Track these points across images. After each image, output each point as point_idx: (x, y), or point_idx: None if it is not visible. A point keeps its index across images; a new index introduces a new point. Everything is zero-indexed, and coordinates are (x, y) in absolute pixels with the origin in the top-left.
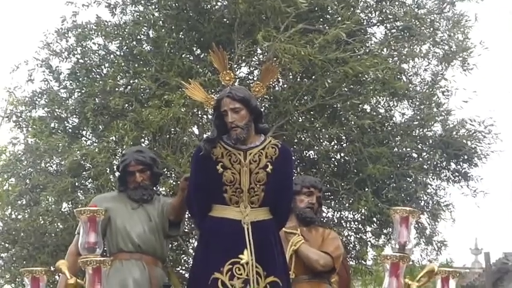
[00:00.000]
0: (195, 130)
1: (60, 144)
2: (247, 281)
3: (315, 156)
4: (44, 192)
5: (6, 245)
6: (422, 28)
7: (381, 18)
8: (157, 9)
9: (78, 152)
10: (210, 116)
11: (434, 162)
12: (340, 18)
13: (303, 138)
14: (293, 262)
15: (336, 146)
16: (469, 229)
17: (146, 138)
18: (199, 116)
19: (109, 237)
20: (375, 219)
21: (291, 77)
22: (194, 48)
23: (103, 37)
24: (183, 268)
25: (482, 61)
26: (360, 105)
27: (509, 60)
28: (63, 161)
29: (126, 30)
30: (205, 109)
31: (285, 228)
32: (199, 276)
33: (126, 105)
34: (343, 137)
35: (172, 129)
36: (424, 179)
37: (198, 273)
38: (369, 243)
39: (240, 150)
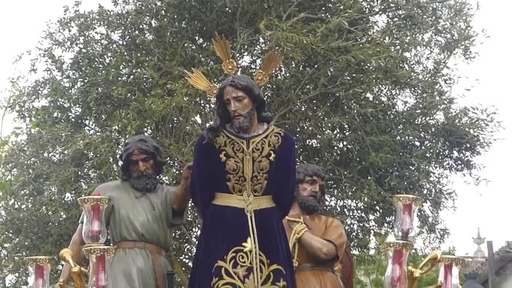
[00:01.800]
0: (198, 119)
1: (63, 134)
2: (251, 268)
3: (318, 144)
4: (47, 181)
5: (10, 234)
6: (425, 16)
7: (383, 6)
8: None
9: (81, 141)
10: (212, 105)
11: (437, 151)
12: (342, 7)
13: (306, 127)
14: (296, 250)
15: (338, 135)
16: (471, 218)
17: (149, 128)
18: (202, 105)
19: (112, 226)
20: (377, 207)
21: (293, 65)
22: (196, 38)
23: (105, 27)
24: (187, 257)
25: (485, 49)
26: (363, 94)
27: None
28: (66, 151)
29: (129, 19)
30: (208, 98)
31: (288, 216)
32: (203, 264)
33: (129, 94)
34: (346, 126)
35: (175, 119)
36: (427, 167)
37: (202, 261)
38: (371, 231)
39: (243, 139)
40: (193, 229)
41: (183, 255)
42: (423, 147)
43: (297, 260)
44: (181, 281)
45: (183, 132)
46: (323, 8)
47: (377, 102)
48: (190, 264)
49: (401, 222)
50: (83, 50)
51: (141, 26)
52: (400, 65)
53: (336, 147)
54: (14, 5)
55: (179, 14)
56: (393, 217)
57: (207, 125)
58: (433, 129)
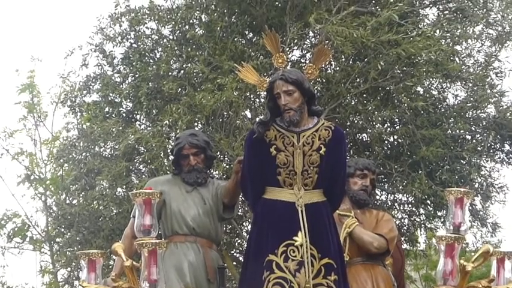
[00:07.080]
0: (248, 114)
1: (114, 129)
2: (302, 262)
3: (368, 139)
4: (98, 176)
5: (62, 229)
6: (475, 9)
7: None
8: None
9: (132, 136)
10: (262, 100)
11: (488, 144)
12: (392, 0)
13: (356, 121)
14: (347, 244)
15: (389, 129)
16: None
17: (199, 122)
18: (252, 99)
19: (164, 220)
20: (428, 201)
21: (343, 59)
22: (246, 32)
23: (156, 21)
24: (238, 251)
25: None
26: (413, 87)
27: None
28: (118, 146)
29: (179, 14)
30: (258, 92)
31: (339, 210)
32: (254, 258)
33: (180, 89)
34: (396, 119)
35: (225, 113)
36: (478, 160)
37: (253, 255)
38: (422, 225)
39: (293, 133)
40: (244, 223)
41: (234, 250)
42: (474, 141)
43: (348, 254)
44: (232, 275)
45: (233, 127)
46: (373, 1)
47: (427, 95)
48: (241, 258)
49: (453, 216)
50: (134, 45)
51: (191, 21)
52: (451, 58)
53: (386, 141)
54: (65, 1)
55: (229, 9)
56: (444, 211)
57: (257, 119)
58: (484, 123)
